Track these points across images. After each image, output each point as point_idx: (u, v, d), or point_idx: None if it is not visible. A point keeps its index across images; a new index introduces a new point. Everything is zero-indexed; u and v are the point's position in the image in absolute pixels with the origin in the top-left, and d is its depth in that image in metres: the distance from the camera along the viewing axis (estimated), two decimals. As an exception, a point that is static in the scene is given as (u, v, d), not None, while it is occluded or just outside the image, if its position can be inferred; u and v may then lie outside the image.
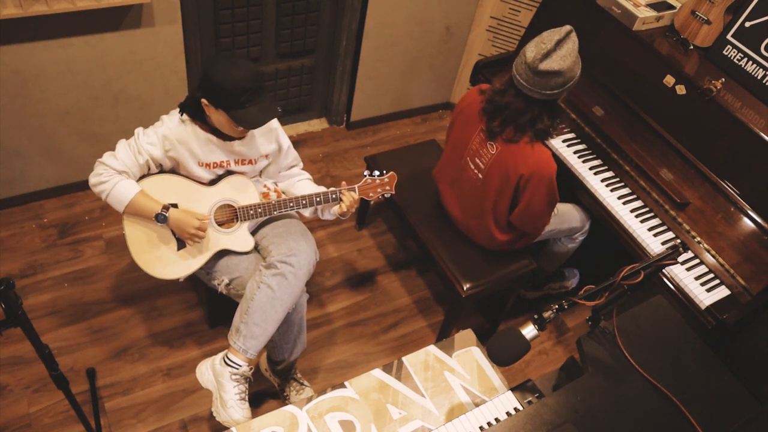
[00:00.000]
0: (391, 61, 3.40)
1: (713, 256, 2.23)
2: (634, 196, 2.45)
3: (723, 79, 2.36)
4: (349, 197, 2.08)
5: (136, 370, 2.38)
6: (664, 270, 2.08)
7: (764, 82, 2.35)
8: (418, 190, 2.61)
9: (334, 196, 2.09)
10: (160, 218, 1.94)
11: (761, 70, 2.36)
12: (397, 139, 3.66)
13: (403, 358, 1.81)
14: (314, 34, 3.15)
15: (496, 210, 2.24)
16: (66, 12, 2.26)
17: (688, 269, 2.22)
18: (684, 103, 2.39)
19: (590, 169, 2.52)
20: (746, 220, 2.21)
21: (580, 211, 2.55)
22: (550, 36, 1.93)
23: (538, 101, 1.99)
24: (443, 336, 2.57)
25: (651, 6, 2.65)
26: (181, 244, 2.05)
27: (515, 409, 1.60)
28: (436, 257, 2.41)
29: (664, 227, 2.35)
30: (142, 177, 2.00)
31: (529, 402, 1.59)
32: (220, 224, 2.07)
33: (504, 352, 1.44)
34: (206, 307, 2.55)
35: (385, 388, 1.73)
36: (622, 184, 2.48)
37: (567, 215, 2.50)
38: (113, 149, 1.95)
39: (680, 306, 2.17)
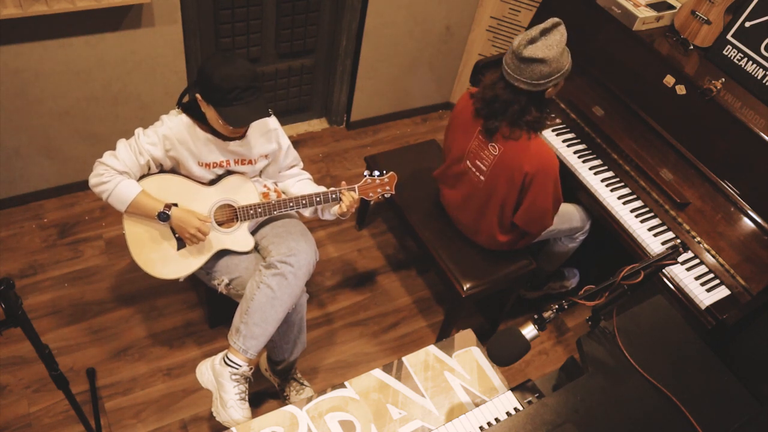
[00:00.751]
0: (391, 61, 3.40)
1: (713, 256, 2.23)
2: (634, 196, 2.45)
3: (723, 79, 2.36)
4: (349, 197, 2.08)
5: (136, 370, 2.38)
6: (664, 270, 2.08)
7: (764, 82, 2.35)
8: (418, 190, 2.61)
9: (334, 196, 2.09)
10: (163, 216, 1.94)
11: (761, 70, 2.36)
12: (397, 139, 3.66)
13: (403, 358, 1.81)
14: (314, 34, 3.15)
15: (501, 211, 2.24)
16: (66, 12, 2.26)
17: (688, 269, 2.22)
18: (684, 103, 2.39)
19: (590, 169, 2.52)
20: (746, 220, 2.21)
21: (581, 210, 2.55)
22: (536, 26, 1.94)
23: (525, 92, 1.99)
24: (443, 336, 2.57)
25: (651, 6, 2.65)
26: (181, 244, 2.05)
27: (515, 409, 1.60)
28: (436, 257, 2.41)
29: (664, 227, 2.35)
30: (141, 177, 2.00)
31: (529, 402, 1.59)
32: (220, 224, 2.07)
33: (504, 352, 1.44)
34: (206, 307, 2.55)
35: (385, 388, 1.73)
36: (622, 184, 2.48)
37: (567, 215, 2.50)
38: (113, 149, 1.95)
39: (680, 306, 2.17)
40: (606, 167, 2.54)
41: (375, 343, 2.64)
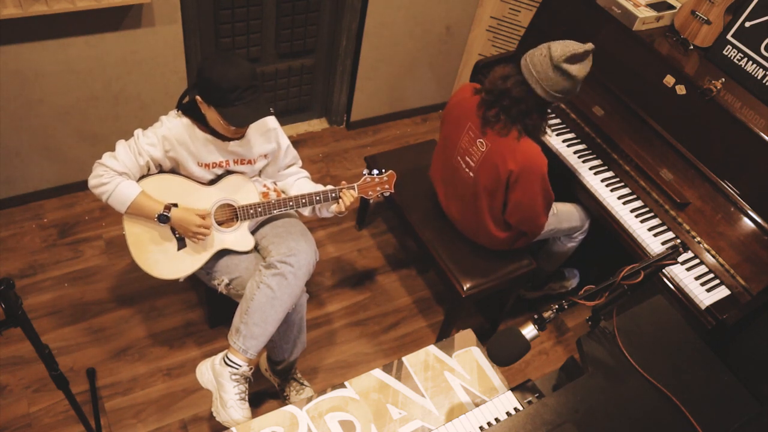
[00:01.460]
0: (391, 61, 3.40)
1: (713, 256, 2.23)
2: (634, 196, 2.45)
3: (723, 79, 2.35)
4: (349, 196, 2.09)
5: (136, 370, 2.38)
6: (664, 270, 2.08)
7: (764, 82, 2.35)
8: (418, 190, 2.61)
9: (333, 195, 2.09)
10: (162, 218, 1.94)
11: (761, 70, 2.36)
12: (397, 139, 3.66)
13: (403, 358, 1.81)
14: (314, 34, 3.15)
15: (491, 208, 2.24)
16: (66, 12, 2.26)
17: (688, 269, 2.22)
18: (684, 103, 2.39)
19: (590, 169, 2.52)
20: (746, 220, 2.21)
21: (580, 210, 2.55)
22: (581, 45, 1.96)
23: (537, 97, 2.00)
24: (443, 336, 2.57)
25: (651, 6, 2.65)
26: (181, 244, 2.05)
27: (515, 409, 1.60)
28: (436, 257, 2.41)
29: (664, 227, 2.35)
30: (141, 177, 2.00)
31: (529, 402, 1.59)
32: (220, 224, 2.07)
33: (504, 352, 1.44)
34: (206, 307, 2.55)
35: (385, 388, 1.73)
36: (622, 184, 2.48)
37: (567, 215, 2.50)
38: (113, 149, 1.95)
39: (680, 306, 2.17)
40: (606, 167, 2.54)
41: (375, 343, 2.64)
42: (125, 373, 2.36)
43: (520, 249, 2.44)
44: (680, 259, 2.06)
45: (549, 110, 2.11)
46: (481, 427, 1.55)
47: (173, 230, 2.04)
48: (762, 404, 1.60)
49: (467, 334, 1.91)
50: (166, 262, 2.05)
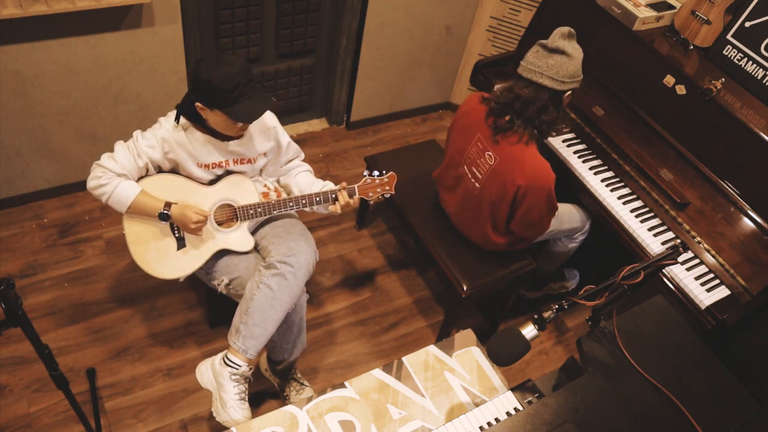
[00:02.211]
0: (391, 61, 3.40)
1: (713, 256, 2.23)
2: (634, 196, 2.45)
3: (723, 79, 2.35)
4: (344, 199, 2.08)
5: (136, 370, 2.38)
6: (664, 270, 2.08)
7: (764, 82, 2.35)
8: (418, 191, 2.61)
9: (333, 196, 2.09)
10: (163, 216, 1.94)
11: (761, 70, 2.36)
12: (397, 139, 3.66)
13: (403, 358, 1.81)
14: (314, 34, 3.15)
15: (494, 218, 2.24)
16: (66, 12, 2.26)
17: (688, 269, 2.22)
18: (684, 103, 2.39)
19: (590, 169, 2.52)
20: (746, 220, 2.21)
21: (580, 211, 2.55)
22: (563, 27, 2.00)
23: (547, 89, 1.99)
24: (443, 336, 2.57)
25: (651, 6, 2.65)
26: (181, 244, 2.05)
27: (515, 409, 1.60)
28: (436, 257, 2.41)
29: (664, 227, 2.35)
30: (141, 177, 2.00)
31: (529, 402, 1.59)
32: (220, 224, 2.07)
33: (504, 352, 1.44)
34: (206, 307, 2.55)
35: (385, 388, 1.73)
36: (622, 184, 2.48)
37: (567, 215, 2.50)
38: (112, 150, 1.95)
39: (680, 306, 2.17)
40: (606, 167, 2.54)
41: (375, 343, 2.64)
42: (125, 373, 2.36)
43: (519, 249, 2.44)
44: (680, 259, 2.06)
45: (562, 104, 2.08)
46: (481, 427, 1.55)
47: (173, 230, 2.04)
48: (762, 404, 1.60)
49: (467, 334, 1.91)
50: (166, 261, 2.05)
